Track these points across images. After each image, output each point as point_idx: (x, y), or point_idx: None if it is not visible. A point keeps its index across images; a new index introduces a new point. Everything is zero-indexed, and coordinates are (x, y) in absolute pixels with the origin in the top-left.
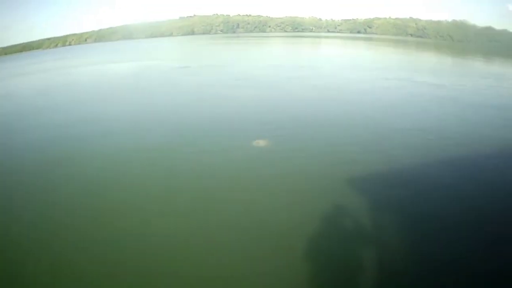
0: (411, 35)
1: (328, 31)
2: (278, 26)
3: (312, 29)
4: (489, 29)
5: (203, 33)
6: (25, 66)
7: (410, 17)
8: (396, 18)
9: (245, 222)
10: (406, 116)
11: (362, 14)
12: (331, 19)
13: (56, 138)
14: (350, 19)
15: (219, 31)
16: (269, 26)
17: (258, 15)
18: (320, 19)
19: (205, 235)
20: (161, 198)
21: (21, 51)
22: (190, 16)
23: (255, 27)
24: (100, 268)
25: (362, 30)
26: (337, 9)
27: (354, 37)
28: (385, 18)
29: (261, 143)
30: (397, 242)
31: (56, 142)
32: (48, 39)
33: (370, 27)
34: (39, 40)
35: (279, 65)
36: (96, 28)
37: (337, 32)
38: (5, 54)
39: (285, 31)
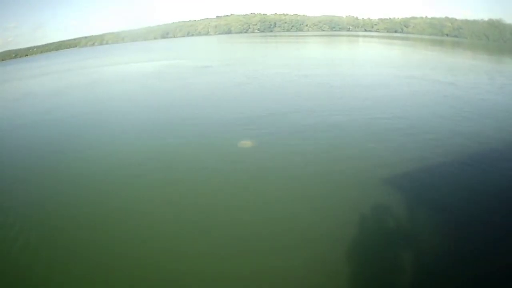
0: (447, 35)
1: (365, 30)
2: (315, 25)
3: (350, 28)
4: None
5: (240, 32)
6: (59, 64)
7: (446, 17)
8: (432, 18)
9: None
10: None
11: (399, 13)
12: (368, 18)
13: (56, 133)
14: (387, 18)
15: (256, 30)
16: (306, 25)
17: (295, 14)
18: (357, 18)
19: (195, 229)
20: (157, 192)
21: (57, 49)
22: (227, 15)
23: (292, 26)
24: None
25: (398, 29)
26: (374, 8)
27: (391, 37)
28: (421, 17)
29: (247, 144)
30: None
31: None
32: (85, 37)
33: (406, 27)
34: (75, 39)
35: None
36: (133, 27)
37: (374, 31)
38: (41, 52)
39: (322, 30)
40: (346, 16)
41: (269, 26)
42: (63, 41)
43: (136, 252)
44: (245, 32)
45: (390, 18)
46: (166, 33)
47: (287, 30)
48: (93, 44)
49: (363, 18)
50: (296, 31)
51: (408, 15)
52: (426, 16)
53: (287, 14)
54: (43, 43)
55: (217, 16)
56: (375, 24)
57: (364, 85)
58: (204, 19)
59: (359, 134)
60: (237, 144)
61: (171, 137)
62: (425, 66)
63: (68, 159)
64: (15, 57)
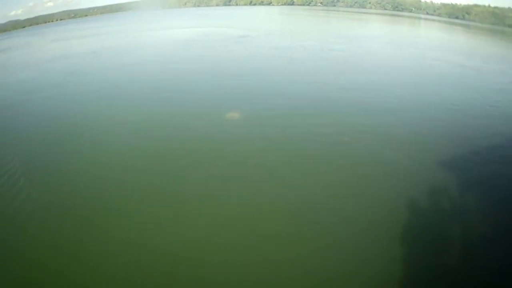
0: (509, 26)
1: (427, 13)
2: (378, 3)
3: (412, 10)
4: None
5: (303, 4)
6: (110, 26)
7: (509, 7)
8: (495, 7)
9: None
10: None
11: None
12: (431, 1)
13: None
14: (449, 4)
15: (319, 3)
16: (370, 3)
17: None
18: (420, 1)
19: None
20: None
21: (117, 11)
22: None
23: (355, 2)
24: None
25: (460, 16)
26: None
27: (452, 22)
28: (484, 5)
29: (234, 116)
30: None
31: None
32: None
33: (468, 14)
34: (137, 1)
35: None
36: None
37: (436, 15)
38: (101, 13)
39: (385, 9)
40: None
41: (332, 1)
42: (124, 4)
43: (126, 214)
44: (308, 5)
45: (452, 4)
46: (229, 0)
47: (350, 6)
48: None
49: (425, 1)
50: (359, 7)
51: (471, 2)
52: (489, 5)
53: None
54: (105, 4)
55: None
56: (437, 8)
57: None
58: None
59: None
60: (225, 115)
61: (175, 105)
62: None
63: (72, 121)
64: (74, 17)
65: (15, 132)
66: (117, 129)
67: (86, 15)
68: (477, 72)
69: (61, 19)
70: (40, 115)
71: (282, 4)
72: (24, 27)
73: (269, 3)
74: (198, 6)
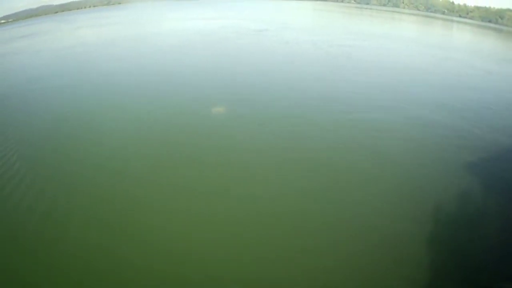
0: None
1: (460, 16)
2: (412, 4)
3: (444, 11)
4: None
5: (336, 1)
6: (137, 14)
7: None
8: None
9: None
10: None
11: (495, 2)
12: (464, 4)
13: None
14: (483, 7)
15: (352, 1)
16: (403, 2)
17: None
18: (453, 3)
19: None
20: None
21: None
22: None
23: (389, 1)
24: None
25: (493, 19)
26: None
27: (484, 26)
28: None
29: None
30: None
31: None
32: None
33: (501, 18)
34: None
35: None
36: None
37: (468, 18)
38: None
39: (418, 9)
40: None
41: None
42: None
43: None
44: (341, 2)
45: (486, 7)
46: None
47: (384, 5)
48: None
49: (458, 4)
50: (392, 6)
51: (504, 6)
52: None
53: None
54: None
55: None
56: (470, 11)
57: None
58: None
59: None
60: (211, 109)
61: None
62: None
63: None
64: (108, 4)
65: (17, 118)
66: (112, 120)
67: (119, 3)
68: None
69: (94, 6)
70: (41, 103)
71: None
72: (56, 12)
73: None
74: None
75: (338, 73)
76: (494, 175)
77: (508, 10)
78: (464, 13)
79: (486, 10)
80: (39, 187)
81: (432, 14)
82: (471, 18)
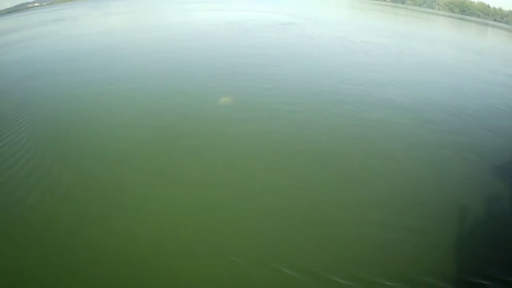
0: None
1: (495, 20)
2: (447, 6)
3: (480, 15)
4: None
5: None
6: (159, 4)
7: None
8: None
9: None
10: None
11: None
12: (500, 7)
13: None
14: None
15: None
16: (438, 4)
17: None
18: (488, 6)
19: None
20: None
21: None
22: None
23: (424, 2)
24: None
25: None
26: None
27: None
28: None
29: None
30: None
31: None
32: None
33: None
34: None
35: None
36: None
37: (503, 23)
38: None
39: (452, 12)
40: (478, 2)
41: None
42: None
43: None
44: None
45: None
46: None
47: (419, 5)
48: None
49: (494, 7)
50: (427, 7)
51: None
52: None
53: None
54: None
55: None
56: (505, 15)
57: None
58: None
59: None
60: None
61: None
62: None
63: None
64: None
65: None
66: (121, 107)
67: None
68: None
69: None
70: (51, 89)
71: None
72: None
73: None
74: None
75: (353, 68)
76: None
77: None
78: (499, 17)
79: None
80: (47, 166)
81: (467, 17)
82: (506, 22)
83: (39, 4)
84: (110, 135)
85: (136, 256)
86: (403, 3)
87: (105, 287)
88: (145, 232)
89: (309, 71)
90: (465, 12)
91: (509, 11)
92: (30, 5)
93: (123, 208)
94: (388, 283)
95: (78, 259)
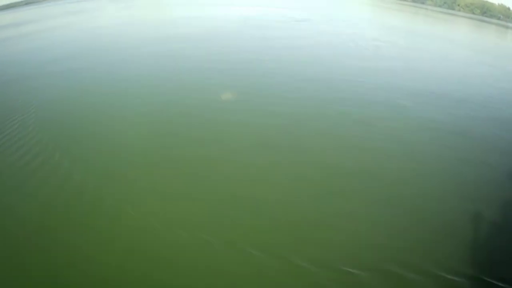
0: None
1: None
2: (467, 7)
3: (500, 17)
4: None
5: None
6: None
7: None
8: None
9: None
10: None
11: None
12: None
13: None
14: None
15: None
16: (458, 5)
17: None
18: (509, 9)
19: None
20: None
21: None
22: None
23: (444, 3)
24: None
25: None
26: None
27: None
28: None
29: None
30: None
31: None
32: None
33: None
34: None
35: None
36: None
37: None
38: None
39: (473, 13)
40: (498, 4)
41: None
42: None
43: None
44: None
45: None
46: None
47: (439, 6)
48: None
49: None
50: (448, 8)
51: None
52: None
53: None
54: None
55: None
56: None
57: None
58: None
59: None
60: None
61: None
62: None
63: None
64: None
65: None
66: (121, 101)
67: None
68: None
69: None
70: (57, 78)
71: None
72: None
73: None
74: None
75: (359, 67)
76: None
77: None
78: None
79: None
80: (57, 159)
81: (487, 19)
82: None
83: None
84: (122, 126)
85: (144, 249)
86: (423, 3)
87: (116, 279)
88: (150, 225)
89: (316, 70)
90: (486, 14)
91: None
92: None
93: (122, 195)
94: (395, 270)
95: (84, 250)
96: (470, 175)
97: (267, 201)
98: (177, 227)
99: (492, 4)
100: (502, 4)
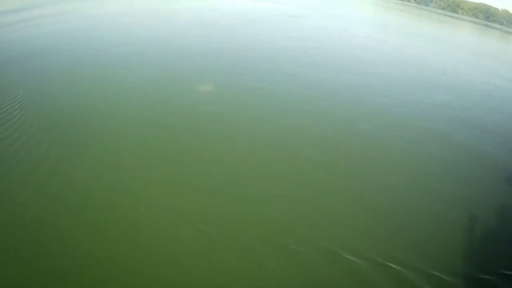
0: None
1: None
2: (471, 11)
3: (503, 22)
4: None
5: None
6: None
7: None
8: None
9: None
10: None
11: None
12: None
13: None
14: None
15: (412, 0)
16: (462, 9)
17: None
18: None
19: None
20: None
21: None
22: None
23: (448, 6)
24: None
25: None
26: None
27: None
28: None
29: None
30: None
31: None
32: None
33: None
34: None
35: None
36: None
37: None
38: None
39: (476, 17)
40: (502, 9)
41: (425, 0)
42: None
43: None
44: (402, 0)
45: None
46: None
47: (443, 8)
48: None
49: None
50: (451, 11)
51: None
52: None
53: None
54: None
55: None
56: None
57: None
58: None
59: None
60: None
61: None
62: None
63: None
64: None
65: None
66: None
67: None
68: None
69: None
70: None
71: None
72: None
73: None
74: None
75: (348, 63)
76: None
77: None
78: None
79: None
80: (56, 153)
81: (490, 24)
82: None
83: None
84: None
85: (142, 244)
86: (427, 5)
87: (114, 274)
88: (148, 220)
89: (305, 63)
90: (489, 18)
91: None
92: None
93: (113, 185)
94: (394, 266)
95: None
96: (471, 175)
97: (269, 195)
98: (175, 217)
99: (496, 9)
100: (506, 10)
